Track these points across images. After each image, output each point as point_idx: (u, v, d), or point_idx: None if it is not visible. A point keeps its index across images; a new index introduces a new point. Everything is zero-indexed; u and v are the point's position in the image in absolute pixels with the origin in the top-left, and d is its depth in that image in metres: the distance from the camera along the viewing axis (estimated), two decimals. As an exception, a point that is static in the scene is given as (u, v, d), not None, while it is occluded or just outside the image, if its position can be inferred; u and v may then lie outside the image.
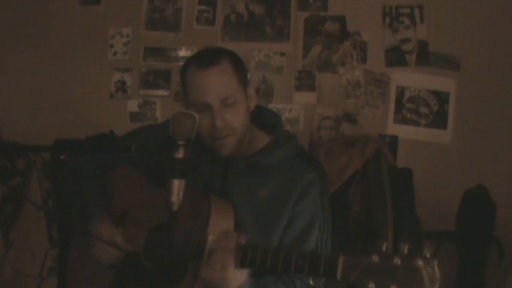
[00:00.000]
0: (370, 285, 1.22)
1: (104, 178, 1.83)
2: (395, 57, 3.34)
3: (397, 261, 1.22)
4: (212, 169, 1.72)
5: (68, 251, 1.90)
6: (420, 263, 1.20)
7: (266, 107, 1.89)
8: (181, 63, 3.55)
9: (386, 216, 2.88)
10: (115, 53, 3.44)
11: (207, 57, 1.64)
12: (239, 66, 1.67)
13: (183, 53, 3.41)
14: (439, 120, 3.32)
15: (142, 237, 1.64)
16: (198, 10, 3.43)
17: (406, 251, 1.23)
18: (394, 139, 3.32)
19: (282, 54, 3.39)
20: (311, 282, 1.35)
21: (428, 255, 1.22)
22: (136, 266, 1.64)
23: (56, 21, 3.45)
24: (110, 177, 1.83)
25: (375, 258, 1.24)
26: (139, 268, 1.63)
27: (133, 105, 3.44)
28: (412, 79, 3.34)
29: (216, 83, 1.61)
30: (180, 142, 1.41)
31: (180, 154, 1.41)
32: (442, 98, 3.32)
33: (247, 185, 1.69)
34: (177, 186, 1.40)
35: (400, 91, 3.34)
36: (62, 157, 3.09)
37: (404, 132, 3.32)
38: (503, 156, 3.23)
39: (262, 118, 1.79)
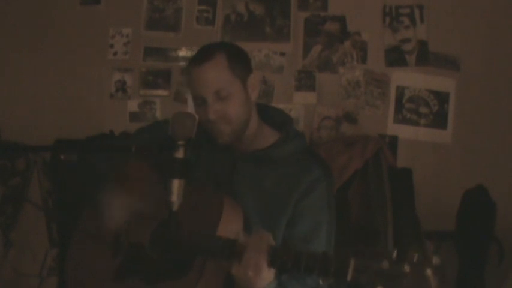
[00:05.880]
0: None
1: (114, 174, 1.85)
2: (395, 57, 3.34)
3: (407, 268, 1.24)
4: (221, 159, 1.76)
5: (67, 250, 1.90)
6: (429, 272, 1.23)
7: (276, 107, 1.97)
8: (182, 63, 3.57)
9: (386, 216, 2.88)
10: (115, 53, 3.44)
11: (201, 54, 1.73)
12: (235, 59, 1.73)
13: (183, 53, 3.41)
14: (439, 120, 3.32)
15: (148, 232, 1.65)
16: (198, 10, 3.43)
17: (415, 259, 1.25)
18: (394, 139, 3.32)
19: (282, 54, 3.38)
20: (321, 282, 1.37)
21: (437, 264, 1.24)
22: (139, 259, 1.64)
23: (56, 21, 3.45)
24: (119, 172, 1.84)
25: (385, 263, 1.26)
26: (143, 261, 1.63)
27: (133, 105, 3.44)
28: (412, 79, 3.33)
29: (208, 77, 1.68)
30: (180, 142, 1.42)
31: (180, 154, 1.42)
32: (442, 98, 3.32)
33: (254, 174, 1.74)
34: (177, 186, 1.40)
35: (400, 91, 3.34)
36: (62, 157, 3.10)
37: (404, 132, 3.32)
38: (503, 156, 3.23)
39: (273, 117, 1.86)
